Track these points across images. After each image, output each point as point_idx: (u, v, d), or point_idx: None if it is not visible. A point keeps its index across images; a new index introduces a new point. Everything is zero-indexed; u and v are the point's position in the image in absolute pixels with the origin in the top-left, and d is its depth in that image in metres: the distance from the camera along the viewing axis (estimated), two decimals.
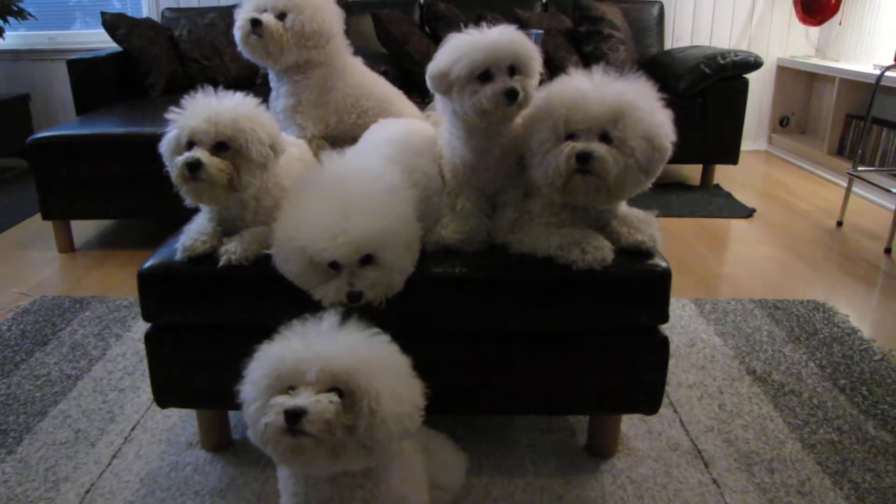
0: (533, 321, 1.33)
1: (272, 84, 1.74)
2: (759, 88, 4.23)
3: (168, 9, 3.76)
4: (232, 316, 1.32)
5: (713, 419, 1.64)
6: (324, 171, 1.27)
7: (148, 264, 1.32)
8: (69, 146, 2.58)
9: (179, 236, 1.35)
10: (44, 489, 1.41)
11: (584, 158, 1.21)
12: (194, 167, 1.21)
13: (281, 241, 1.22)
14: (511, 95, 1.21)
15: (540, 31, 2.00)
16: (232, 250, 1.27)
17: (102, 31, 3.38)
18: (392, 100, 1.74)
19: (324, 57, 1.66)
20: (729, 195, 3.42)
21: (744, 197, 3.39)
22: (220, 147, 1.23)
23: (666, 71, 3.44)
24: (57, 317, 2.16)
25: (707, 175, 3.59)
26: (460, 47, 1.24)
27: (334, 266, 1.17)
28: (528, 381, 1.39)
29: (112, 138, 2.58)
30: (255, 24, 1.58)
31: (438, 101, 1.34)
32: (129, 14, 3.51)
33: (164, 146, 1.28)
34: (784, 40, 4.26)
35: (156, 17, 3.96)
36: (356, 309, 1.14)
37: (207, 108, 1.24)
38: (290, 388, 0.93)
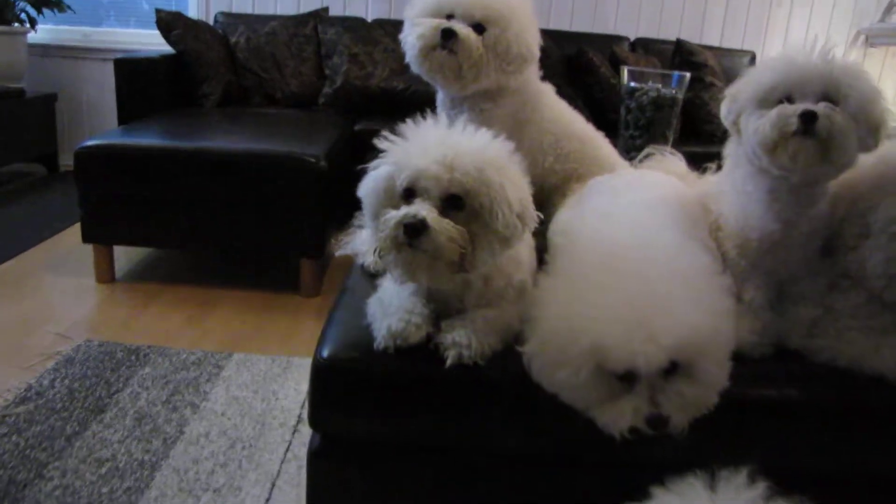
0: (840, 458, 0.99)
1: (442, 109, 1.37)
2: None
3: (222, 13, 3.37)
4: (445, 433, 0.94)
5: None
6: (606, 243, 0.90)
7: (329, 352, 0.93)
8: (126, 159, 2.14)
9: (359, 306, 0.98)
10: None
11: None
12: (416, 231, 0.82)
13: (552, 336, 0.84)
14: (808, 120, 0.89)
15: (685, 74, 1.68)
16: (463, 343, 0.89)
17: (139, 31, 2.99)
18: (597, 142, 1.38)
19: (520, 83, 1.31)
20: None
21: None
22: (453, 203, 0.85)
23: None
24: (110, 372, 1.73)
25: None
26: (761, 64, 1.01)
27: (627, 378, 0.82)
28: None
29: (181, 154, 2.14)
30: (449, 35, 1.21)
31: (732, 146, 1.05)
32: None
33: (368, 188, 0.90)
34: None
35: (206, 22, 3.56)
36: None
37: (441, 144, 0.86)
38: None
